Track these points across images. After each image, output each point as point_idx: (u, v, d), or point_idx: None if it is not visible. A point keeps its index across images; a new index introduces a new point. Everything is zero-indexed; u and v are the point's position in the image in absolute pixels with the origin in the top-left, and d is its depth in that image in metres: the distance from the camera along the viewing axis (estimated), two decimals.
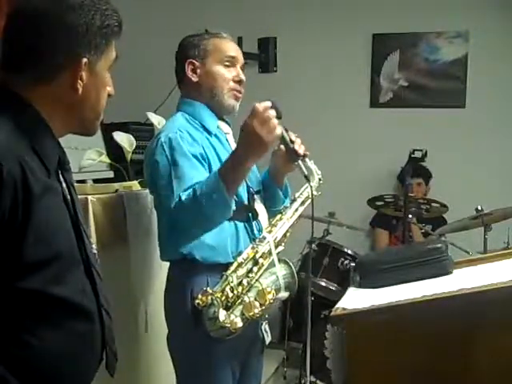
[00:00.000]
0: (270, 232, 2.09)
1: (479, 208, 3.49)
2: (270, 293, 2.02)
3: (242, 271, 2.01)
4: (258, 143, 1.89)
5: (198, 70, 2.20)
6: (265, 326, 2.20)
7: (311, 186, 2.10)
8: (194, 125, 2.16)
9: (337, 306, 1.59)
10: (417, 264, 1.74)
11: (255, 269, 2.03)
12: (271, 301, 2.03)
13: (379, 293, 1.67)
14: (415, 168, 3.62)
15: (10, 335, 1.17)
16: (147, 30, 4.55)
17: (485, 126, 4.40)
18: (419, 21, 4.47)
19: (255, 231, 2.16)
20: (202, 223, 2.00)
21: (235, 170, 1.94)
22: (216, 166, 2.09)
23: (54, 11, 1.22)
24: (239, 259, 2.02)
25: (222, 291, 1.96)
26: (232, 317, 1.94)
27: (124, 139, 2.60)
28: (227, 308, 1.95)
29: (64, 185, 1.30)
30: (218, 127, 2.22)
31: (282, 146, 2.14)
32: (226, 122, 2.29)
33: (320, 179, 2.23)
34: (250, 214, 2.18)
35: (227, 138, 2.26)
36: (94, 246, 1.40)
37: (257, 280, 2.02)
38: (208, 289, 1.95)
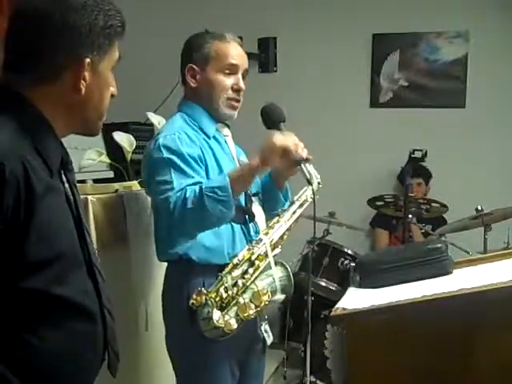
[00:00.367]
0: (266, 234, 2.10)
1: (479, 208, 3.49)
2: (265, 294, 2.02)
3: (237, 272, 2.01)
4: (272, 148, 1.99)
5: (198, 76, 2.19)
6: (265, 327, 2.20)
7: (313, 189, 2.11)
8: (193, 126, 2.16)
9: (337, 306, 1.59)
10: (417, 264, 1.74)
11: (251, 270, 2.02)
12: (266, 302, 2.03)
13: (379, 293, 1.67)
14: (415, 168, 3.62)
15: (11, 334, 1.17)
16: (147, 30, 4.54)
17: (485, 126, 4.40)
18: (419, 21, 4.48)
19: (252, 233, 2.17)
20: (203, 221, 1.99)
21: (246, 171, 2.01)
22: (213, 168, 2.10)
23: (57, 12, 1.22)
24: (235, 260, 2.02)
25: (217, 291, 1.96)
26: (226, 317, 1.94)
27: (124, 139, 2.60)
28: (222, 308, 1.95)
29: (67, 185, 1.31)
30: (216, 130, 2.22)
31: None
32: (226, 125, 2.29)
33: (319, 183, 2.24)
34: (247, 216, 2.18)
35: (226, 141, 2.26)
36: (94, 245, 1.40)
37: (252, 281, 2.02)
38: (202, 289, 1.96)
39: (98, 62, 1.28)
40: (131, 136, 2.64)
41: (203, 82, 2.19)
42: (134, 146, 2.61)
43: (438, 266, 1.74)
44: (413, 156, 3.38)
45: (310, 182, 2.10)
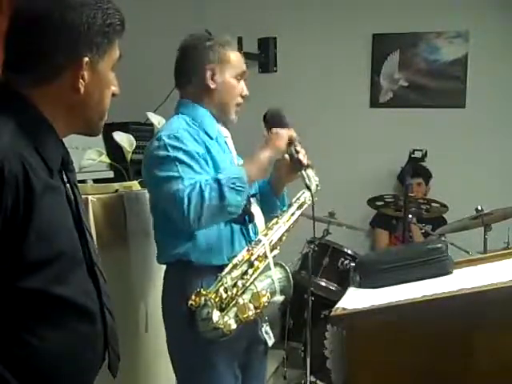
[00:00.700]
0: (265, 235, 2.10)
1: (479, 208, 3.49)
2: (264, 296, 2.02)
3: (236, 273, 2.01)
4: (281, 138, 2.14)
5: (217, 78, 2.20)
6: (266, 328, 2.20)
7: (312, 196, 2.14)
8: (194, 127, 2.16)
9: (337, 306, 1.59)
10: (417, 264, 1.74)
11: (250, 271, 2.03)
12: (266, 304, 2.03)
13: (379, 293, 1.67)
14: (415, 168, 3.62)
15: (11, 334, 1.17)
16: (147, 30, 4.54)
17: (485, 126, 4.40)
18: (419, 21, 4.47)
19: (251, 234, 2.17)
20: (220, 213, 2.00)
21: (259, 163, 2.10)
22: (217, 169, 2.11)
23: (55, 11, 1.22)
24: (234, 261, 2.03)
25: (216, 292, 1.96)
26: (226, 318, 1.94)
27: (124, 139, 2.60)
28: (221, 309, 1.95)
29: (67, 185, 1.30)
30: (217, 131, 2.23)
31: (287, 156, 2.18)
32: (225, 126, 2.30)
33: (317, 185, 2.25)
34: (247, 217, 2.18)
35: (226, 142, 2.27)
36: (95, 245, 1.40)
37: (252, 282, 2.02)
38: (201, 290, 1.95)
39: (97, 61, 1.27)
40: (131, 136, 2.64)
41: (222, 85, 2.21)
42: (134, 146, 2.61)
43: (438, 265, 1.74)
44: (413, 156, 3.37)
45: (309, 188, 2.12)
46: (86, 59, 1.25)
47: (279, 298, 2.12)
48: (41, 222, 1.16)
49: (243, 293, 2.00)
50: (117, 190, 2.42)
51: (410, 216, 3.44)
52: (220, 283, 1.98)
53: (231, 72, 2.22)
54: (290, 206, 2.22)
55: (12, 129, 1.19)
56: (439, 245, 1.78)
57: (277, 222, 2.15)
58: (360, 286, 1.80)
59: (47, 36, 1.23)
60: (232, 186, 1.96)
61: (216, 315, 1.93)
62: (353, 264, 3.60)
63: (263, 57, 4.66)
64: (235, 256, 2.06)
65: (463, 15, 4.41)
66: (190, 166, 2.02)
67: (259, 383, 2.34)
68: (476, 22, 4.38)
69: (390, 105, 4.62)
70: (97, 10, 1.26)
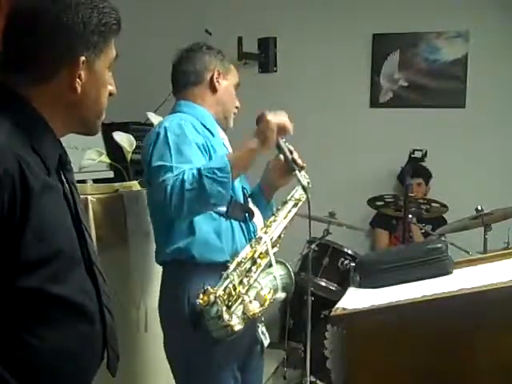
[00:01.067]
0: (265, 233, 2.10)
1: (479, 208, 3.49)
2: (269, 293, 2.02)
3: (241, 270, 2.01)
4: (270, 130, 2.02)
5: (222, 82, 2.28)
6: (262, 329, 2.20)
7: (308, 197, 2.12)
8: (195, 124, 2.17)
9: (337, 306, 1.59)
10: (417, 264, 1.74)
11: (254, 268, 2.03)
12: (271, 300, 2.03)
13: (379, 293, 1.67)
14: (415, 168, 3.62)
15: (10, 334, 1.17)
16: (147, 30, 4.54)
17: (485, 126, 4.40)
18: (419, 21, 4.47)
19: (251, 231, 2.17)
20: (201, 203, 1.95)
21: (244, 152, 2.03)
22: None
23: (51, 10, 1.22)
24: (238, 258, 2.02)
25: (224, 290, 1.95)
26: (234, 316, 1.94)
27: (124, 139, 2.60)
28: (228, 307, 1.95)
29: (66, 185, 1.30)
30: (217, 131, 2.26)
31: (281, 156, 2.17)
32: (222, 129, 2.33)
33: (309, 183, 2.27)
34: (247, 214, 2.18)
35: (224, 143, 2.28)
36: (94, 245, 1.40)
37: (255, 280, 2.02)
38: (209, 287, 1.94)
39: (93, 60, 1.27)
40: (131, 136, 2.64)
41: (224, 90, 2.28)
42: (134, 146, 2.61)
43: (438, 265, 1.74)
44: (413, 156, 3.38)
45: (305, 190, 2.11)
46: (83, 58, 1.25)
47: (281, 295, 2.12)
48: (38, 220, 1.16)
49: (248, 290, 2.00)
50: (117, 190, 2.42)
51: (410, 216, 3.44)
52: (227, 280, 1.97)
53: (231, 80, 2.31)
54: (286, 203, 2.22)
55: (8, 128, 1.18)
56: (439, 245, 1.78)
57: (275, 220, 2.15)
58: (360, 285, 1.80)
59: (44, 35, 1.23)
60: (212, 176, 1.90)
61: (226, 313, 1.92)
62: (353, 264, 3.60)
63: (263, 57, 4.66)
64: (237, 253, 2.06)
65: (463, 15, 4.41)
66: (183, 153, 2.01)
67: None
68: (476, 21, 4.38)
69: (390, 105, 4.62)
70: (92, 9, 1.25)
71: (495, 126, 4.40)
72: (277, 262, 2.09)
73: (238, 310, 1.96)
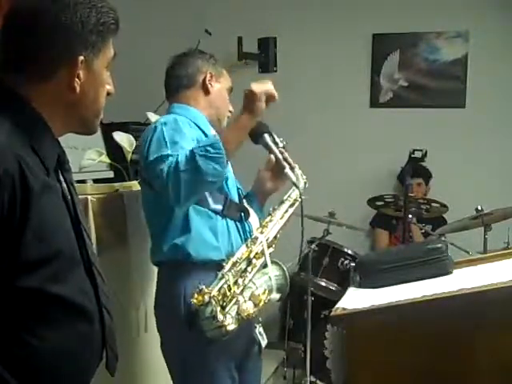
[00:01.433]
0: (261, 233, 2.10)
1: (479, 208, 3.49)
2: (264, 293, 2.02)
3: (236, 270, 2.01)
4: (257, 103, 2.02)
5: (214, 85, 2.29)
6: (259, 330, 2.20)
7: (301, 194, 2.14)
8: (190, 123, 2.18)
9: (337, 306, 1.59)
10: (417, 264, 1.74)
11: (249, 269, 2.03)
12: (266, 301, 2.03)
13: (379, 293, 1.67)
14: (415, 168, 3.61)
15: (10, 334, 1.17)
16: (147, 30, 4.54)
17: (485, 126, 4.40)
18: (419, 21, 4.47)
19: (246, 231, 2.18)
20: (197, 183, 1.93)
21: (235, 129, 2.05)
22: None
23: (50, 10, 1.23)
24: (234, 258, 2.02)
25: (219, 290, 1.95)
26: (228, 317, 1.94)
27: (124, 139, 2.60)
28: (222, 308, 1.95)
29: (64, 184, 1.30)
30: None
31: (272, 157, 2.19)
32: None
33: (305, 183, 2.28)
34: (243, 214, 2.19)
35: None
36: (93, 245, 1.40)
37: (250, 280, 2.02)
38: (204, 287, 1.94)
39: (91, 59, 1.28)
40: (131, 136, 2.64)
41: (217, 93, 2.30)
42: (134, 146, 2.62)
43: (438, 265, 1.74)
44: (413, 156, 3.37)
45: (296, 186, 2.12)
46: (82, 58, 1.25)
47: (276, 295, 2.12)
48: (38, 221, 1.16)
49: (243, 291, 2.00)
50: (117, 190, 2.42)
51: (410, 216, 3.44)
52: (222, 280, 1.97)
53: (224, 84, 2.33)
54: (282, 203, 2.23)
55: (8, 128, 1.19)
56: (439, 245, 1.78)
57: (271, 220, 2.16)
58: (360, 286, 1.80)
59: (43, 35, 1.23)
60: (205, 153, 1.89)
61: (220, 314, 1.92)
62: (353, 264, 3.60)
63: (263, 57, 4.66)
64: (233, 253, 2.06)
65: (463, 15, 4.41)
66: (180, 146, 2.01)
67: None
68: (476, 21, 4.38)
69: (390, 105, 4.61)
70: (91, 9, 1.26)
71: (495, 126, 4.40)
72: (272, 262, 2.09)
73: (232, 310, 1.96)
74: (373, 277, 1.78)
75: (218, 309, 1.92)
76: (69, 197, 1.30)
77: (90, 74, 1.28)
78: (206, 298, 1.92)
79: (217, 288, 1.96)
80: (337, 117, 4.60)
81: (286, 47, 4.66)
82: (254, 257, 2.04)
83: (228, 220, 2.13)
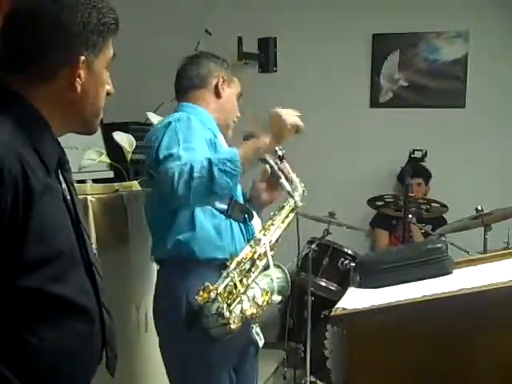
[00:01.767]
0: (264, 235, 2.11)
1: (479, 208, 3.49)
2: (266, 295, 2.03)
3: (241, 270, 2.01)
4: (282, 128, 2.04)
5: (226, 89, 2.31)
6: (256, 329, 2.20)
7: (295, 202, 2.15)
8: (203, 123, 2.19)
9: (337, 306, 1.59)
10: (417, 264, 1.74)
11: (253, 269, 2.03)
12: (269, 302, 2.04)
13: (379, 293, 1.67)
14: (415, 168, 3.62)
15: (11, 334, 1.17)
16: (147, 30, 4.54)
17: (485, 126, 4.40)
18: (419, 21, 4.47)
19: (249, 233, 2.18)
20: (208, 193, 1.94)
21: (254, 147, 2.03)
22: None
23: (51, 10, 1.23)
24: (238, 258, 2.03)
25: (225, 288, 1.96)
26: (233, 315, 1.94)
27: (124, 139, 2.60)
28: (228, 305, 1.95)
29: (64, 185, 1.31)
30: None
31: (268, 167, 2.19)
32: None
33: (304, 191, 2.28)
34: (247, 215, 2.19)
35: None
36: (93, 246, 1.40)
37: (253, 280, 2.03)
38: (209, 285, 1.94)
39: (92, 59, 1.28)
40: (131, 136, 2.64)
41: (227, 98, 2.31)
42: (134, 146, 2.62)
43: (438, 265, 1.74)
44: (413, 156, 3.37)
45: (291, 196, 2.12)
46: (83, 58, 1.26)
47: (277, 297, 2.12)
48: (40, 221, 1.16)
49: (246, 290, 2.00)
50: (117, 190, 2.42)
51: (410, 216, 3.44)
52: (228, 279, 1.98)
53: (234, 89, 2.34)
54: (283, 208, 2.23)
55: (10, 128, 1.19)
56: (439, 245, 1.78)
57: (272, 224, 2.16)
58: (360, 285, 1.80)
59: (43, 35, 1.23)
60: (223, 167, 1.90)
61: (227, 311, 1.92)
62: (353, 264, 3.60)
63: (263, 57, 4.66)
64: (236, 252, 2.06)
65: (463, 15, 4.41)
66: (192, 146, 2.01)
67: None
68: (476, 21, 4.38)
69: (390, 105, 4.61)
70: (92, 9, 1.26)
71: (495, 126, 4.40)
72: (274, 265, 2.10)
73: (236, 309, 1.96)
74: (373, 277, 1.78)
75: (225, 306, 1.92)
76: (69, 197, 1.31)
77: (91, 74, 1.28)
78: (212, 294, 1.92)
79: (222, 286, 1.96)
80: (337, 117, 4.60)
81: (286, 47, 4.66)
82: (258, 258, 2.04)
83: (231, 220, 2.14)
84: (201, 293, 1.93)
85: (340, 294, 2.72)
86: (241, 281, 1.99)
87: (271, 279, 2.07)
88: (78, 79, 1.26)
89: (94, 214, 2.16)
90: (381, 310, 1.49)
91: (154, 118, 2.72)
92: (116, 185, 2.46)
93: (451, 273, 1.75)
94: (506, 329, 1.42)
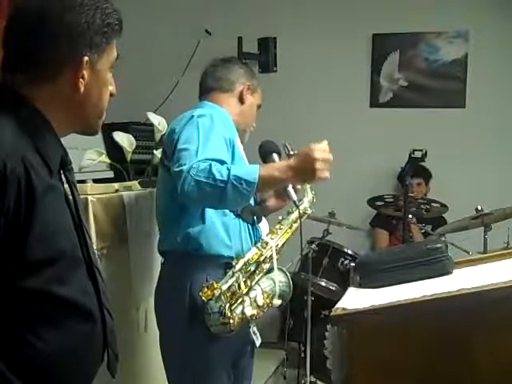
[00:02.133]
0: (271, 238, 2.12)
1: (479, 208, 3.49)
2: (267, 297, 2.04)
3: (246, 271, 2.03)
4: (310, 174, 1.89)
5: (249, 97, 2.34)
6: (253, 329, 2.20)
7: (299, 210, 2.14)
8: (225, 122, 2.20)
9: (337, 306, 1.59)
10: (417, 264, 1.74)
11: (257, 271, 2.05)
12: (270, 304, 2.05)
13: (379, 293, 1.67)
14: (415, 168, 3.61)
15: (13, 334, 1.17)
16: (147, 30, 4.54)
17: (485, 126, 4.40)
18: (419, 21, 4.47)
19: (256, 235, 2.20)
20: (215, 201, 1.91)
21: (275, 178, 1.91)
22: (236, 159, 2.13)
23: (54, 10, 1.23)
24: (245, 259, 2.04)
25: (229, 287, 1.97)
26: (234, 314, 1.96)
27: (124, 139, 2.61)
28: (230, 305, 1.97)
29: (66, 185, 1.31)
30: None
31: None
32: None
33: (313, 197, 2.29)
34: (255, 218, 2.20)
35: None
36: (94, 246, 1.40)
37: (257, 282, 2.04)
38: (213, 282, 1.95)
39: (96, 60, 1.28)
40: (131, 136, 2.64)
41: (249, 106, 2.35)
42: (134, 146, 2.62)
43: (438, 265, 1.74)
44: (413, 156, 3.37)
45: (296, 205, 2.09)
46: (86, 58, 1.26)
47: (277, 301, 2.14)
48: (42, 222, 1.16)
49: (249, 291, 2.01)
50: (117, 190, 2.42)
51: (410, 216, 3.44)
52: (233, 279, 1.99)
53: (256, 99, 2.39)
54: (291, 213, 2.25)
55: (13, 129, 1.19)
56: (439, 245, 1.78)
57: (280, 228, 2.18)
58: (360, 285, 1.80)
59: (47, 36, 1.23)
60: (238, 185, 1.84)
61: (228, 310, 1.94)
62: (353, 264, 3.60)
63: (263, 57, 4.65)
64: (243, 253, 2.07)
65: (463, 15, 4.41)
66: (211, 145, 1.98)
67: (248, 383, 2.34)
68: (476, 22, 4.38)
69: (390, 105, 4.61)
70: (96, 10, 1.26)
71: (495, 126, 4.40)
72: (278, 269, 2.11)
73: (237, 309, 1.98)
74: (373, 277, 1.78)
75: (227, 305, 1.94)
76: (71, 197, 1.31)
77: (94, 75, 1.28)
78: (216, 293, 1.94)
79: (226, 285, 1.97)
80: (337, 117, 4.60)
81: (285, 47, 4.66)
82: (263, 261, 2.06)
83: (240, 221, 2.14)
84: (205, 289, 1.94)
85: (340, 293, 2.72)
86: (245, 282, 2.01)
87: (274, 282, 2.09)
88: (81, 80, 1.26)
89: (95, 214, 2.17)
90: (381, 310, 1.49)
91: (154, 118, 2.72)
92: (116, 185, 2.46)
93: (451, 273, 1.75)
94: (506, 329, 1.42)
